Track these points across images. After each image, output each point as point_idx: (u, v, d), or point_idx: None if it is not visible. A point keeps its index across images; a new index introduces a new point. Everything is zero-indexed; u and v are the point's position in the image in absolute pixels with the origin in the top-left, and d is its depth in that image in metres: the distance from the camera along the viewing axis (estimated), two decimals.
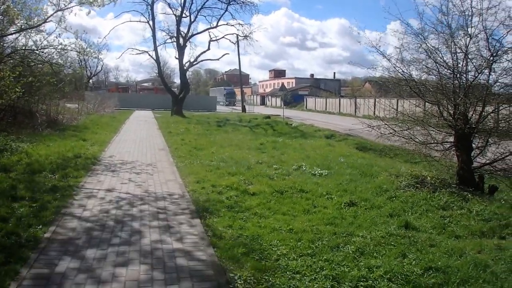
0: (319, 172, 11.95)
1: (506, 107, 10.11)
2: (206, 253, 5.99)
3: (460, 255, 6.11)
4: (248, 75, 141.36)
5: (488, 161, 10.34)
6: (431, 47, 10.63)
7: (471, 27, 10.03)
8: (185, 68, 44.30)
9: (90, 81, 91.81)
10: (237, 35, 46.13)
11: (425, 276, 5.36)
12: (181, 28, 42.80)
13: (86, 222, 7.22)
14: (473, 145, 10.49)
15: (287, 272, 5.42)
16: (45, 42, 17.43)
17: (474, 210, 8.45)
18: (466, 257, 5.99)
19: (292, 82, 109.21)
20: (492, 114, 10.26)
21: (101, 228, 6.92)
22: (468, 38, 10.04)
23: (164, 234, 6.77)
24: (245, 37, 43.51)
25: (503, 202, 9.24)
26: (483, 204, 8.81)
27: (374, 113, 22.33)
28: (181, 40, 42.38)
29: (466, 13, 10.03)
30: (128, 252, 5.91)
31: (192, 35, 44.25)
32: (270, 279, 5.21)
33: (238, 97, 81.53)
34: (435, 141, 11.04)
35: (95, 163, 12.98)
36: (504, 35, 9.80)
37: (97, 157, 14.17)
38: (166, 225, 7.26)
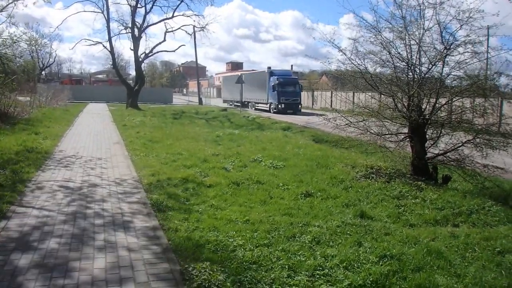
0: (276, 163, 11.95)
1: (458, 99, 10.30)
2: (161, 246, 5.85)
3: (414, 243, 6.21)
4: (205, 67, 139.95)
5: (441, 152, 10.56)
6: (386, 39, 10.73)
7: (425, 20, 10.18)
8: (140, 59, 43.63)
9: (43, 73, 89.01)
10: (193, 26, 45.61)
11: (380, 263, 5.40)
12: (136, 19, 42.07)
13: (38, 217, 6.92)
14: (427, 136, 10.67)
15: (244, 263, 5.35)
16: None
17: (428, 199, 8.63)
18: (420, 245, 6.09)
19: None
20: (445, 106, 10.46)
21: (51, 226, 6.62)
22: (422, 31, 10.18)
23: (117, 228, 6.60)
24: (202, 28, 43.17)
25: (456, 191, 9.46)
26: (437, 193, 9.00)
27: (331, 105, 22.54)
28: (136, 31, 41.66)
29: (421, 7, 10.18)
30: (81, 250, 5.68)
31: (148, 26, 43.80)
32: (226, 270, 5.11)
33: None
34: (390, 132, 11.18)
35: (48, 158, 12.50)
36: (458, 29, 10.00)
37: (50, 151, 13.67)
38: (120, 219, 7.07)
